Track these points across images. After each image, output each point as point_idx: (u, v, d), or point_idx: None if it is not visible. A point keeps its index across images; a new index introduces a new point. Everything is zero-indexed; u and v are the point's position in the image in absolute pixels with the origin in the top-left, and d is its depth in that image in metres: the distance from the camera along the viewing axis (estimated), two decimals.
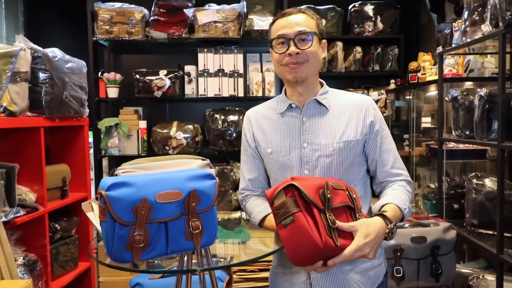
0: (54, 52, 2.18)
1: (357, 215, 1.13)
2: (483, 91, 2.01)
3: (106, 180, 1.07)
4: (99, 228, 1.15)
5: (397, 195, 1.24)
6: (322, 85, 1.36)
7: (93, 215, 1.30)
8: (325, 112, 1.30)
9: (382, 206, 1.21)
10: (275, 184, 1.35)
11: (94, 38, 3.12)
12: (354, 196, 1.16)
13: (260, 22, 3.19)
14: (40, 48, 2.08)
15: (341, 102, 1.32)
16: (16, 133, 2.04)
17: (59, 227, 2.28)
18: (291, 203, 1.03)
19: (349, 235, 1.07)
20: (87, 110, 2.48)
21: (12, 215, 1.84)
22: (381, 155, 1.30)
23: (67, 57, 2.29)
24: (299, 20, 1.26)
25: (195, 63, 3.21)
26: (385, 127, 1.33)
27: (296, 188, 1.03)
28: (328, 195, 1.06)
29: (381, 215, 1.14)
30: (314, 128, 1.29)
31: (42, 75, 2.06)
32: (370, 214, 1.30)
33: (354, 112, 1.29)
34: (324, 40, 1.32)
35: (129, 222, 1.06)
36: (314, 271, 1.23)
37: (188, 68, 3.20)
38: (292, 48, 1.24)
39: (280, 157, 1.30)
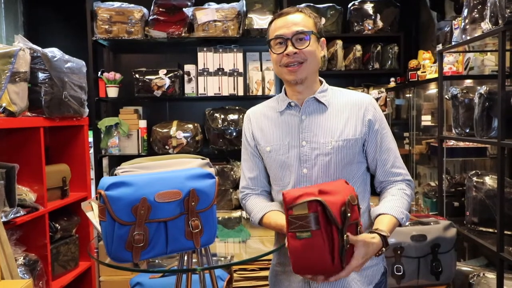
0: (54, 52, 2.18)
1: (357, 227, 1.13)
2: (483, 89, 2.00)
3: (106, 180, 1.08)
4: (99, 227, 1.15)
5: (395, 202, 1.24)
6: (321, 83, 1.35)
7: (93, 214, 1.30)
8: (324, 110, 1.30)
9: (379, 215, 1.21)
10: (275, 182, 1.35)
11: (94, 38, 3.11)
12: (361, 206, 1.16)
13: (259, 20, 3.18)
14: (40, 48, 2.08)
15: (340, 100, 1.32)
16: (16, 133, 2.04)
17: (59, 227, 2.28)
18: (312, 219, 1.01)
19: (350, 253, 1.08)
20: (86, 110, 2.48)
21: (12, 215, 1.84)
22: (381, 154, 1.30)
23: (67, 57, 2.29)
24: (297, 20, 1.25)
25: (195, 62, 3.21)
26: (386, 125, 1.33)
27: (320, 203, 1.02)
28: (348, 214, 1.05)
29: (383, 236, 1.14)
30: (312, 127, 1.28)
31: (41, 75, 2.06)
32: (368, 213, 1.30)
33: (353, 111, 1.29)
34: (323, 39, 1.32)
35: (129, 222, 1.06)
36: None
37: (188, 67, 3.20)
38: (290, 48, 1.23)
39: (279, 155, 1.30)
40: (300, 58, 1.24)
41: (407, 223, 2.03)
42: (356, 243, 1.07)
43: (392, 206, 1.22)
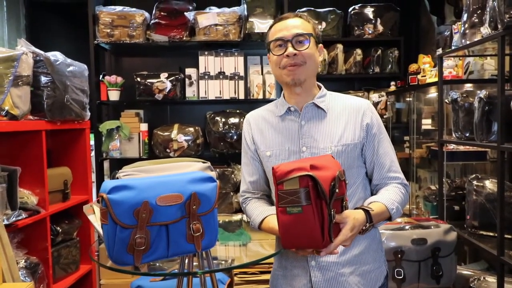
0: (56, 56, 2.19)
1: (343, 202, 1.14)
2: (482, 93, 2.01)
3: (108, 183, 1.08)
4: (100, 230, 1.15)
5: (389, 194, 1.26)
6: (320, 88, 1.36)
7: (95, 218, 1.31)
8: (323, 116, 1.31)
9: (371, 203, 1.23)
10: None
11: (96, 42, 3.13)
12: (347, 182, 1.18)
13: (260, 24, 3.20)
14: (42, 52, 2.09)
15: (339, 105, 1.33)
16: (18, 136, 2.05)
17: (60, 230, 2.28)
18: (303, 194, 1.02)
19: (337, 226, 1.10)
20: (88, 113, 2.49)
21: (14, 218, 1.84)
22: (378, 158, 1.31)
23: (69, 60, 2.30)
24: (296, 23, 1.28)
25: (196, 65, 3.22)
26: (383, 130, 1.34)
27: (312, 178, 1.02)
28: (337, 190, 1.06)
29: (367, 211, 1.17)
30: (312, 132, 1.30)
31: (44, 79, 2.07)
32: None
33: (351, 115, 1.30)
34: (321, 45, 1.34)
35: (130, 225, 1.07)
36: (315, 275, 1.26)
37: (189, 70, 3.21)
38: (290, 49, 1.25)
39: (279, 160, 1.31)
40: (299, 60, 1.26)
41: (407, 227, 2.05)
42: (342, 220, 1.10)
43: (384, 197, 1.25)
